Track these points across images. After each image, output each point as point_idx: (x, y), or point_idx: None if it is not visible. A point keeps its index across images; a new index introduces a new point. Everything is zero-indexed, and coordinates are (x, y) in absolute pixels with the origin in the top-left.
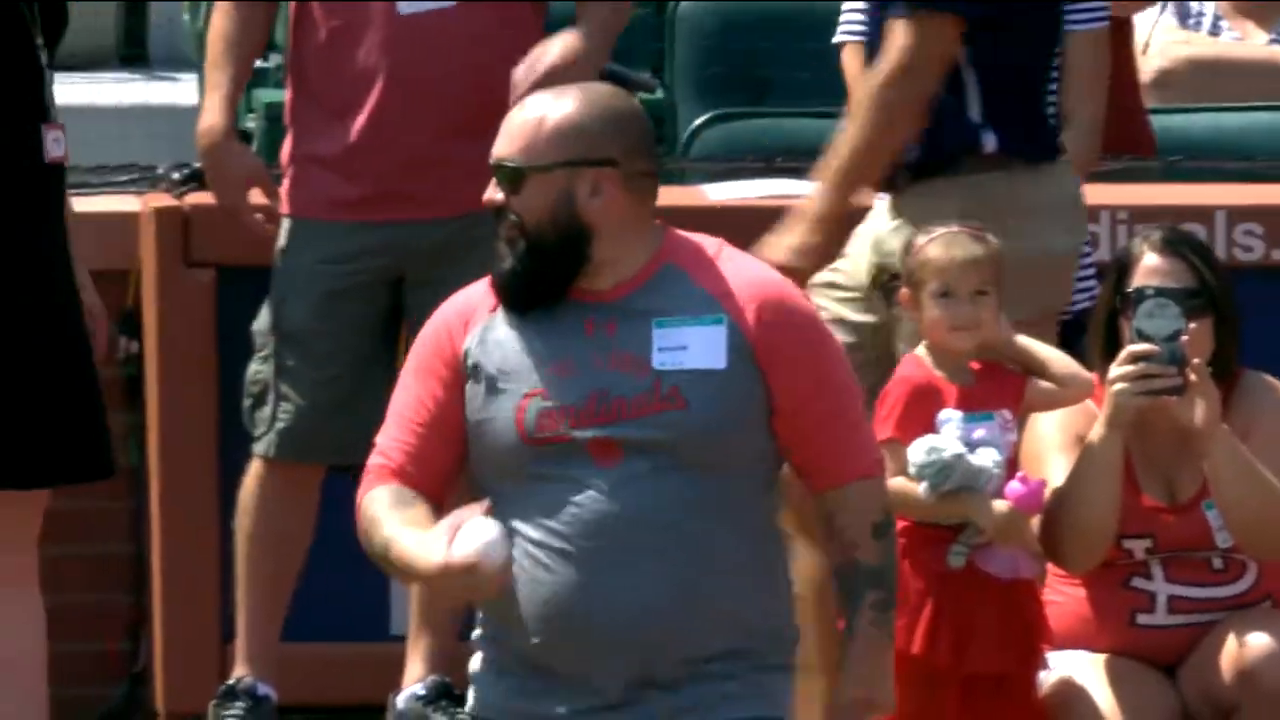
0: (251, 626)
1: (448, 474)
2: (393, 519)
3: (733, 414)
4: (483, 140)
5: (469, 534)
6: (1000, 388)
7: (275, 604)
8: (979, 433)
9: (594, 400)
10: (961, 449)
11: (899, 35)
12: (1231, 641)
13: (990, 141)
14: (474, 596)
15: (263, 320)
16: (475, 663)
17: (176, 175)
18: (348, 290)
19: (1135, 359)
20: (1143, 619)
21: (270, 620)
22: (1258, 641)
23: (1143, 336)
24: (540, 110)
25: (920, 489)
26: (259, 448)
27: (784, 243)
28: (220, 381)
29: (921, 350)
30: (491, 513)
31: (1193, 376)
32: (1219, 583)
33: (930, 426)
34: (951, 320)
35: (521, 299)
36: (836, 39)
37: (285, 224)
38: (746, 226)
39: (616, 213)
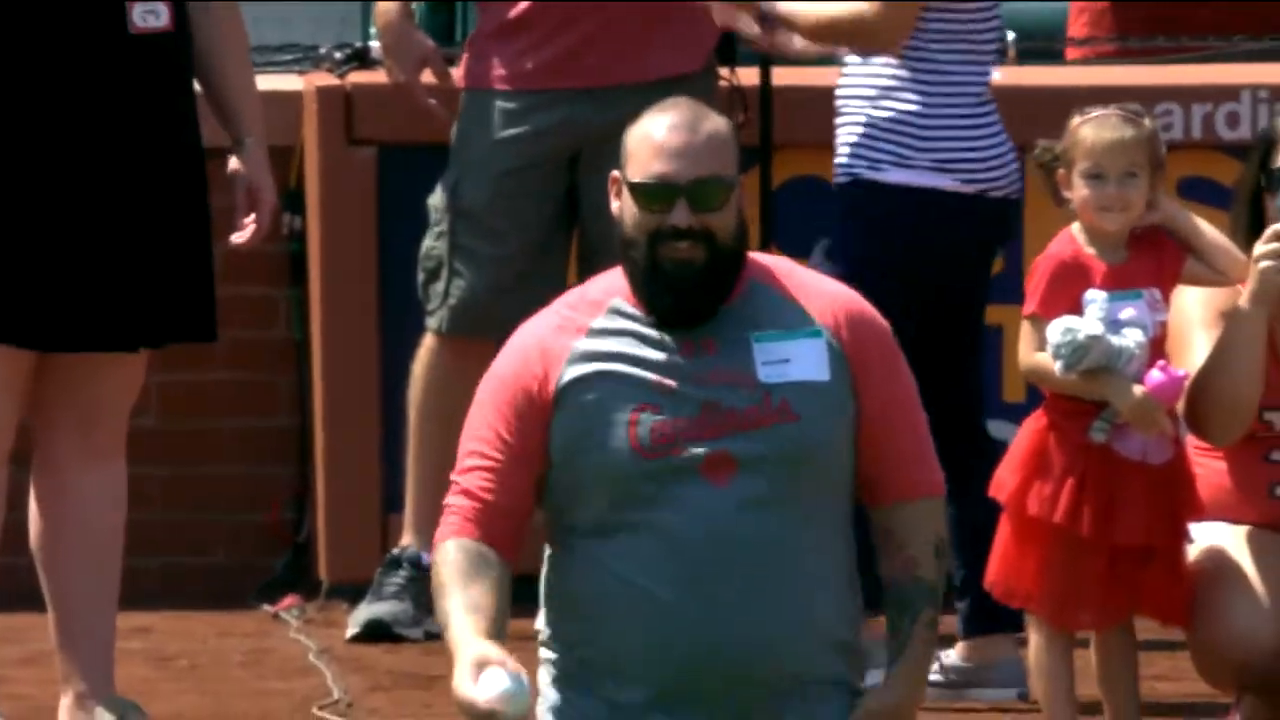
0: (419, 497)
1: (527, 512)
2: (458, 596)
3: (838, 425)
4: (659, 9)
5: (490, 680)
6: (1157, 263)
7: (443, 476)
8: (1126, 312)
9: (706, 412)
10: (1099, 330)
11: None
12: None
13: None
14: None
15: (438, 196)
16: (546, 671)
17: (339, 55)
18: (524, 168)
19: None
20: None
21: (438, 492)
22: None
23: None
24: (713, 124)
25: (1056, 367)
26: (432, 322)
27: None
28: (381, 258)
29: (1075, 227)
30: (517, 668)
31: None
32: None
33: (1076, 303)
34: (1100, 201)
35: (691, 320)
36: None
37: (464, 99)
38: None
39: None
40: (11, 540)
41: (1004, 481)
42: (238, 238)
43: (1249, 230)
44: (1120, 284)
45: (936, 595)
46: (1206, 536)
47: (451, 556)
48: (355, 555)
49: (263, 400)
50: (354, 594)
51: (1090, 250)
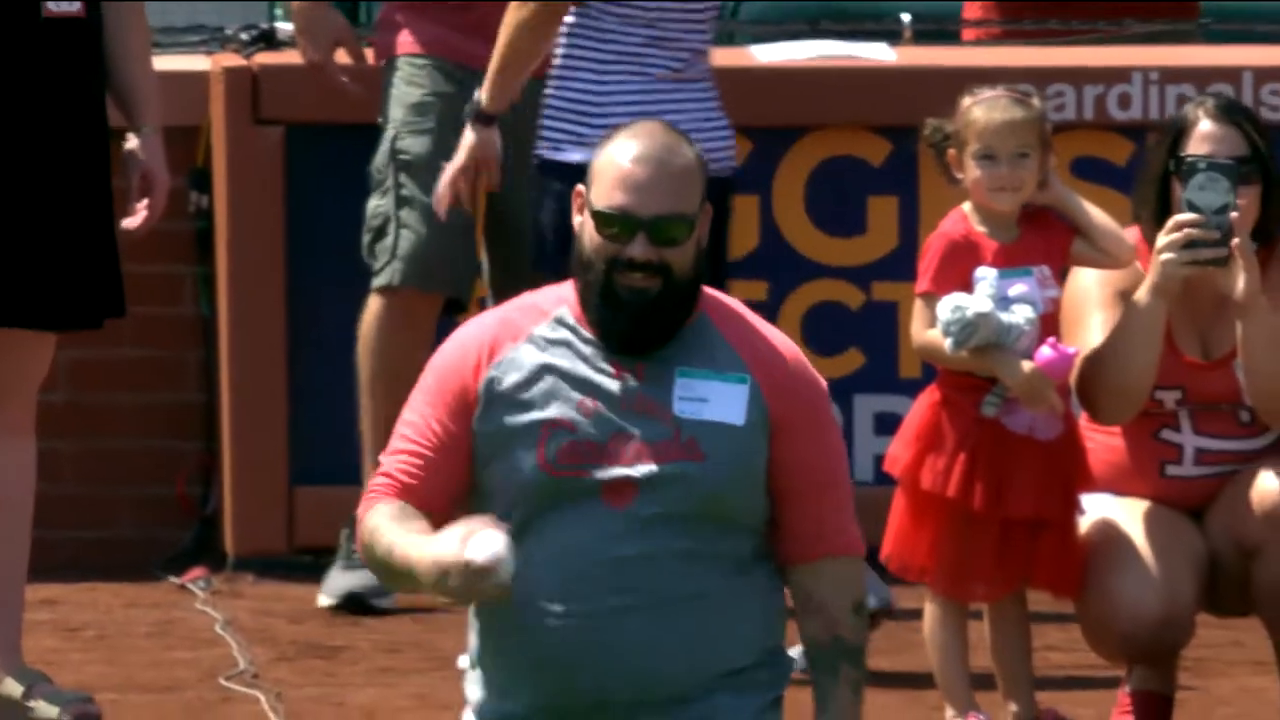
0: (377, 460)
1: (450, 502)
2: (396, 530)
3: (744, 471)
4: None
5: (484, 539)
6: (1046, 241)
7: None
8: (1016, 289)
9: (615, 439)
10: (987, 308)
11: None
12: (1255, 486)
13: None
14: (480, 598)
15: (380, 157)
16: (473, 688)
17: (245, 36)
18: (458, 120)
19: (1183, 228)
20: (1171, 470)
21: None
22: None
23: (1192, 208)
24: (681, 158)
25: (946, 344)
26: (380, 280)
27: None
28: (288, 235)
29: (967, 206)
30: (503, 529)
31: (1237, 250)
32: (1245, 436)
33: (968, 281)
34: (992, 181)
35: (641, 349)
36: None
37: (388, 66)
38: (793, 86)
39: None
40: None
41: (898, 456)
42: (130, 222)
43: (1155, 216)
44: (1011, 262)
45: (858, 655)
46: (1097, 509)
47: (379, 512)
48: (260, 529)
49: (170, 376)
50: (259, 567)
51: (981, 229)
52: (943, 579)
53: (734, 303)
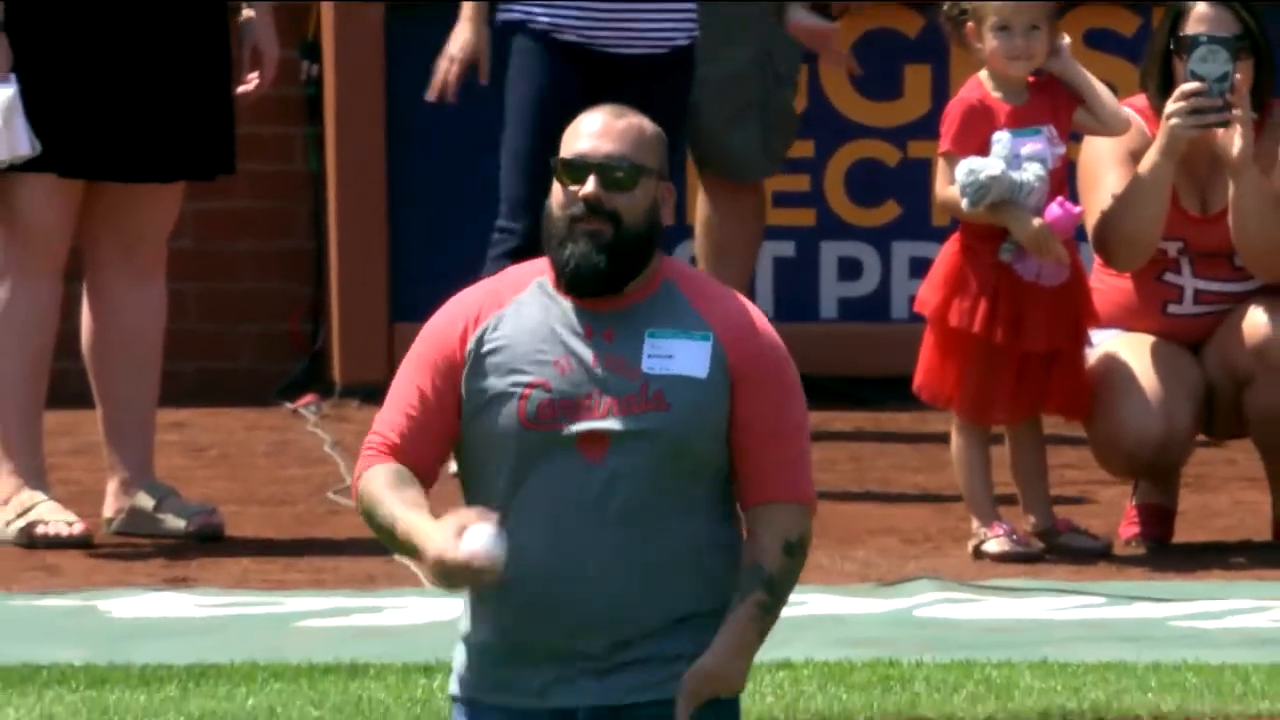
0: None
1: (438, 458)
2: (395, 500)
3: (706, 420)
4: None
5: (474, 536)
6: (1053, 105)
7: None
8: (1028, 147)
9: (590, 396)
10: (999, 170)
11: None
12: (1248, 321)
13: None
14: (472, 589)
15: None
16: (459, 648)
17: None
18: None
19: (1187, 96)
20: (1173, 309)
21: None
22: (1270, 321)
23: (1195, 77)
24: (633, 117)
25: (962, 204)
26: None
27: None
28: (388, 101)
29: (983, 74)
30: (497, 520)
31: (1237, 113)
32: (1238, 279)
33: (985, 141)
34: (1008, 51)
35: (592, 289)
36: None
37: None
38: None
39: (663, 226)
40: (64, 347)
41: (927, 299)
42: (243, 89)
43: (1159, 89)
44: (1023, 122)
45: (773, 584)
46: (1106, 343)
47: (375, 476)
48: (364, 361)
49: (283, 225)
50: (363, 394)
51: (996, 94)
52: (968, 406)
53: (696, 272)
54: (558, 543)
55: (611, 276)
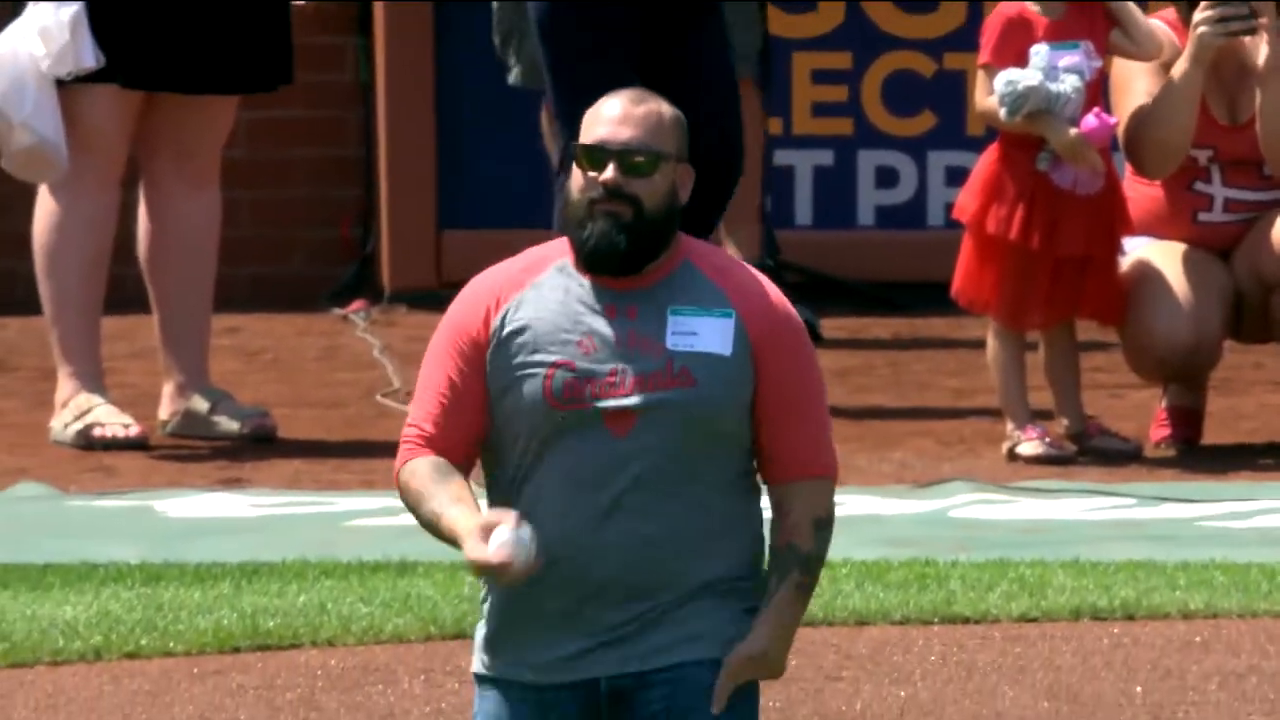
0: None
1: (474, 440)
2: (439, 494)
3: (731, 396)
4: None
5: (500, 537)
6: (1090, 22)
7: None
8: (1065, 60)
9: (615, 373)
10: (1036, 80)
11: None
12: (1276, 229)
13: None
14: (502, 585)
15: None
16: (480, 625)
17: None
18: None
19: (1214, 5)
20: (1203, 217)
21: None
22: None
23: None
24: (652, 103)
25: (1001, 114)
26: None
27: None
28: (436, 10)
29: None
30: (523, 518)
31: (1263, 20)
32: (1267, 188)
33: (1023, 53)
34: None
35: (613, 269)
36: None
37: None
38: None
39: (681, 209)
40: (121, 253)
41: (965, 205)
42: (298, 1)
43: (1188, 1)
44: (1060, 36)
45: (809, 562)
46: (1138, 250)
47: (417, 469)
48: (413, 266)
49: (334, 134)
50: (411, 299)
51: (1035, 6)
52: (1004, 311)
53: (716, 250)
54: (579, 512)
55: (630, 256)
